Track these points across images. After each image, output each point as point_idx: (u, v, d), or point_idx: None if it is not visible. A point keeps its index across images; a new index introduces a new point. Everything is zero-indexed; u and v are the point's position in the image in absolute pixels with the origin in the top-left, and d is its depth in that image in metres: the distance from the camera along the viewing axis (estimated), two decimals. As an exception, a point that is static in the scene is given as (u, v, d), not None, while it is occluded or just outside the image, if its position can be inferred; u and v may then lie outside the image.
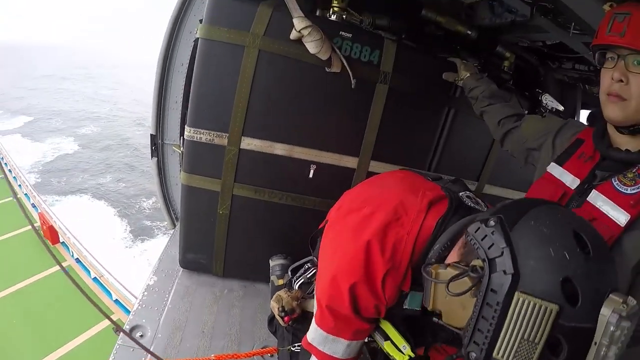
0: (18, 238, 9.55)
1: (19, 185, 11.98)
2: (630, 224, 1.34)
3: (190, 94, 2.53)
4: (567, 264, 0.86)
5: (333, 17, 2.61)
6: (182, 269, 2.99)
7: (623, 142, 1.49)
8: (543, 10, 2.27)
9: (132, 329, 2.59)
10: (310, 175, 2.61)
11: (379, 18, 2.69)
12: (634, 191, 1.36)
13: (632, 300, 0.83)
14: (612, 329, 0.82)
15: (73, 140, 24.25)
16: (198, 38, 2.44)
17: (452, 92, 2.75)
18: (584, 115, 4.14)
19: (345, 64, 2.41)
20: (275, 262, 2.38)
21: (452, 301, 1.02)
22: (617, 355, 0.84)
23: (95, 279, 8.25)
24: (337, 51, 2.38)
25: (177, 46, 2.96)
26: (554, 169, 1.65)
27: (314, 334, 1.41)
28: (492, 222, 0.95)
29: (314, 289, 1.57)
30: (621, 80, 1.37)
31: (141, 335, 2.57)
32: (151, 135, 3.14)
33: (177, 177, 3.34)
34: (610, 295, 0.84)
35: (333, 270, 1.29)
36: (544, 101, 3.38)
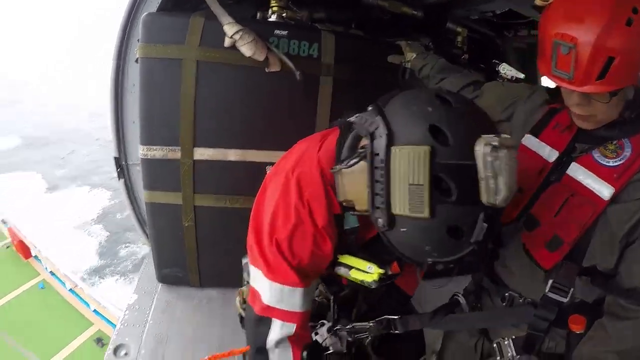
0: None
1: None
2: (614, 197, 1.31)
3: (139, 113, 2.57)
4: (431, 114, 1.00)
5: (273, 17, 2.62)
6: (160, 284, 3.03)
7: None
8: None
9: (116, 348, 2.63)
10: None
11: (316, 12, 2.71)
12: (616, 163, 1.32)
13: (504, 134, 0.95)
14: (489, 159, 0.91)
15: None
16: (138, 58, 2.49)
17: (402, 75, 2.74)
18: (545, 82, 4.11)
19: (285, 58, 2.41)
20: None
21: (355, 186, 1.17)
22: (509, 186, 0.93)
23: (71, 290, 8.31)
24: (273, 49, 2.39)
25: (126, 67, 2.98)
26: (530, 141, 1.59)
27: (268, 293, 1.41)
28: (369, 108, 1.12)
29: None
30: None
31: (125, 354, 2.61)
32: (115, 158, 3.18)
33: (145, 196, 3.36)
34: (482, 135, 0.94)
35: (267, 228, 1.42)
36: (502, 71, 3.36)
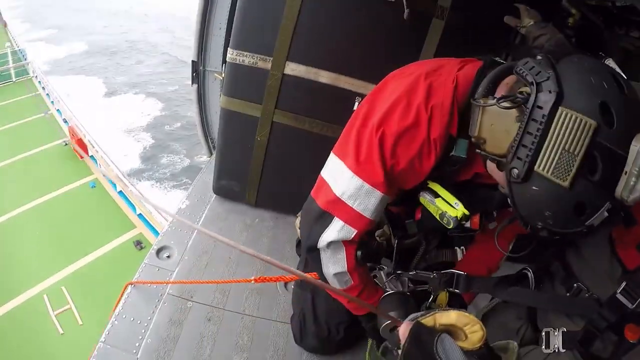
0: (50, 151, 9.93)
1: (52, 102, 12.33)
2: None
3: (235, 14, 2.48)
4: (605, 91, 0.97)
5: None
6: (214, 196, 3.00)
7: None
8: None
9: (160, 249, 2.63)
10: (355, 108, 2.52)
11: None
12: None
13: None
14: None
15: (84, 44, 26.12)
16: None
17: (512, 38, 2.58)
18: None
19: None
20: None
21: (496, 127, 1.11)
22: None
23: (120, 192, 8.58)
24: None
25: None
26: None
27: (346, 185, 1.35)
28: (539, 57, 1.05)
29: None
30: None
31: (168, 256, 2.61)
32: (192, 61, 3.11)
33: (217, 106, 3.29)
34: None
35: (379, 117, 1.33)
36: (608, 66, 3.16)
